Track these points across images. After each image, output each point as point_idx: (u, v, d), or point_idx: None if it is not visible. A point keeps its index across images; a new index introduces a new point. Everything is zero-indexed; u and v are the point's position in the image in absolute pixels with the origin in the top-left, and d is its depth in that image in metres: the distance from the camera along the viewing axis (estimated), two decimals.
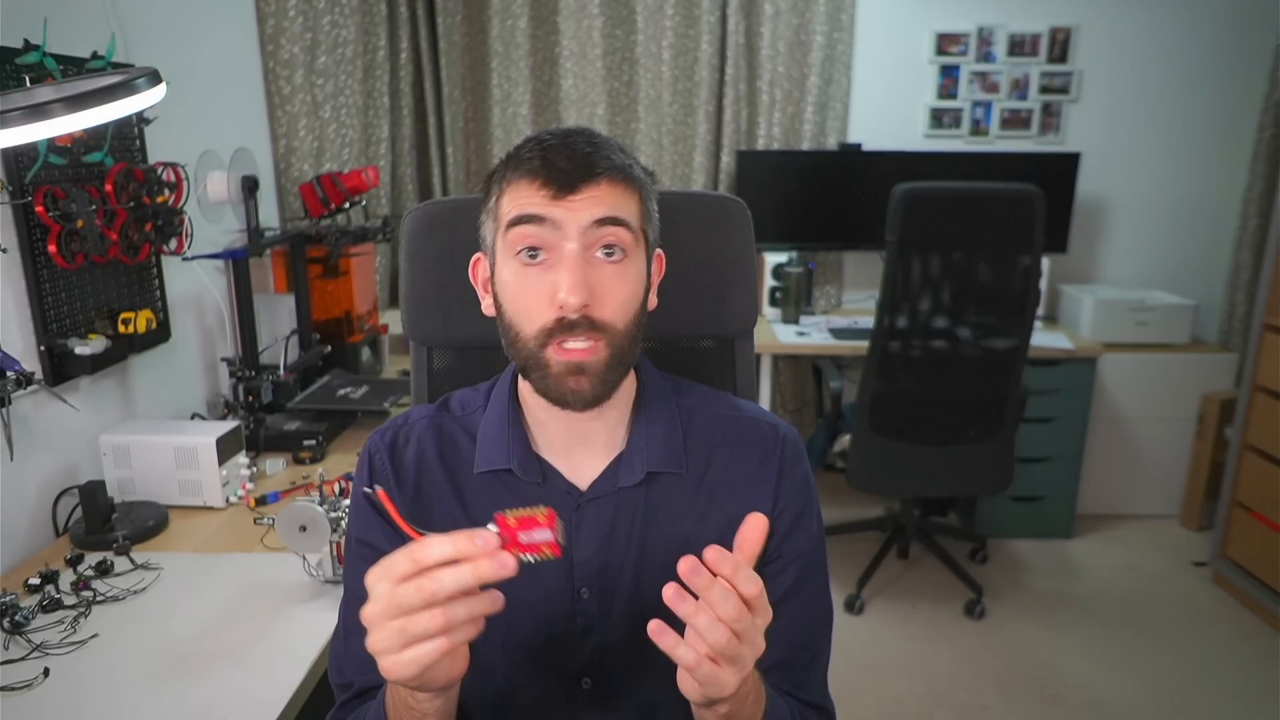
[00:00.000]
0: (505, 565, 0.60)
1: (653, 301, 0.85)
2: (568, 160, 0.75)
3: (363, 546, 0.85)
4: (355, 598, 0.85)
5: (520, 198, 0.76)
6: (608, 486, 0.84)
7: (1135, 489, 3.18)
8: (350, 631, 0.85)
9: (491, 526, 0.62)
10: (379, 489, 0.67)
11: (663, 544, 0.84)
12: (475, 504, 0.85)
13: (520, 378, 0.85)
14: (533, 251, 0.76)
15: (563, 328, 0.75)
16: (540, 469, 0.85)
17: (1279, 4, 3.03)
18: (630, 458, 0.84)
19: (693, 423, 0.88)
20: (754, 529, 0.66)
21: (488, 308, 0.84)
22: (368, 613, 0.61)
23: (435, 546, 0.60)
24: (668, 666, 0.86)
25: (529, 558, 0.62)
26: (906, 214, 2.22)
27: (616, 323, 0.77)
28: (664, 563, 0.84)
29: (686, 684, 0.66)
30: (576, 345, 0.75)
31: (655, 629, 0.63)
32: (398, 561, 0.61)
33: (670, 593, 0.62)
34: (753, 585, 0.63)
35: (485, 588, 0.62)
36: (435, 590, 0.59)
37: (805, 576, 0.87)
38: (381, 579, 0.61)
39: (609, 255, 0.76)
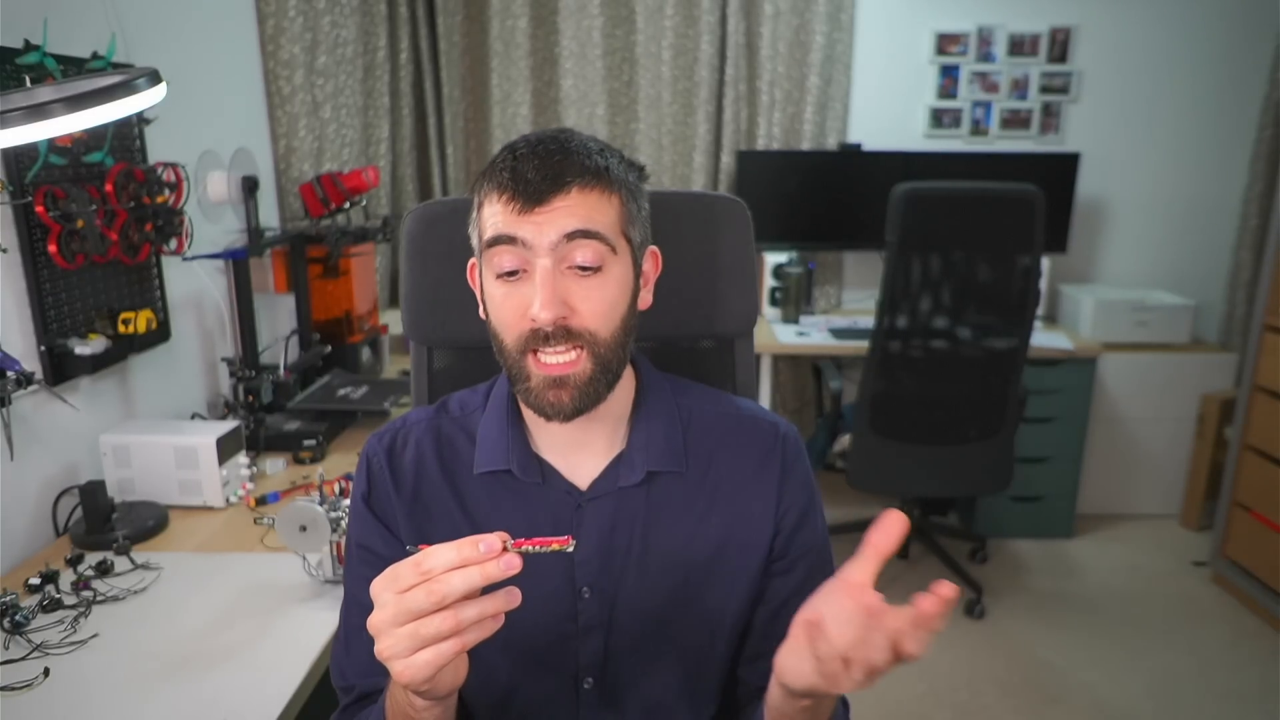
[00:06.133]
0: (511, 565, 0.60)
1: (645, 300, 0.83)
2: (536, 171, 0.74)
3: (363, 551, 0.85)
4: (355, 601, 0.85)
5: (494, 215, 0.75)
6: (608, 486, 0.84)
7: (1135, 489, 3.18)
8: (351, 634, 0.85)
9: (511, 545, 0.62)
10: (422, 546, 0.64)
11: (664, 543, 0.84)
12: (475, 505, 0.85)
13: None
14: (510, 272, 0.75)
15: (539, 339, 0.75)
16: (540, 469, 0.84)
17: (1279, 4, 3.03)
18: (630, 457, 0.84)
19: (693, 422, 0.88)
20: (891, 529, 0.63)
21: (483, 311, 0.84)
22: (374, 621, 0.61)
23: (440, 555, 0.60)
24: (669, 665, 0.86)
25: (536, 549, 0.62)
26: (906, 214, 2.22)
27: (598, 330, 0.76)
28: (665, 562, 0.84)
29: (810, 670, 0.63)
30: (556, 358, 0.75)
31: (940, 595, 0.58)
32: (403, 572, 0.60)
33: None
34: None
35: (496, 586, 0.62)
36: (445, 593, 0.59)
37: (815, 571, 0.87)
38: (387, 588, 0.61)
39: (583, 272, 0.75)
